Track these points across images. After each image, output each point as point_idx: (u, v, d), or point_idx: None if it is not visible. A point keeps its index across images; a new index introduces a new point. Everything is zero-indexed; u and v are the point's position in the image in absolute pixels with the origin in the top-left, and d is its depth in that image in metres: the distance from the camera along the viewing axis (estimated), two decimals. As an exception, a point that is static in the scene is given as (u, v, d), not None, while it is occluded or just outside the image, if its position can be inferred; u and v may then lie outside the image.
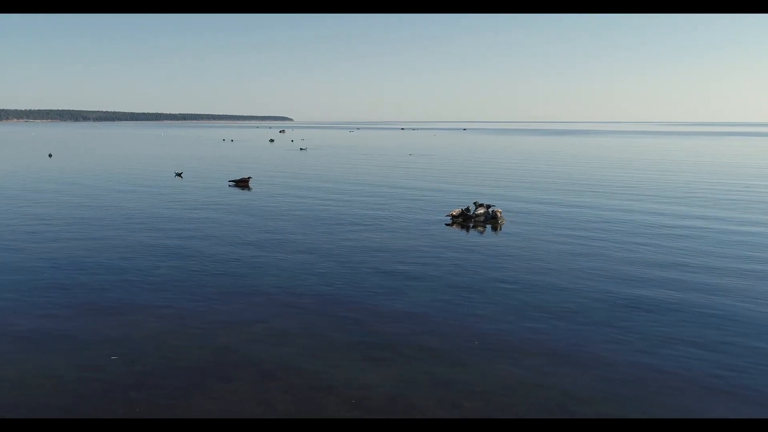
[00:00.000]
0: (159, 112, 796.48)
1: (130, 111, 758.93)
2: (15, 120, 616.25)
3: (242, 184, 38.42)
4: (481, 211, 25.10)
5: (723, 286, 15.26)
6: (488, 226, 23.77)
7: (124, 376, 10.04)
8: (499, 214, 24.80)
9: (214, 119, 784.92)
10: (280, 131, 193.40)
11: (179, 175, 44.78)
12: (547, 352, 11.07)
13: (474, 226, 23.73)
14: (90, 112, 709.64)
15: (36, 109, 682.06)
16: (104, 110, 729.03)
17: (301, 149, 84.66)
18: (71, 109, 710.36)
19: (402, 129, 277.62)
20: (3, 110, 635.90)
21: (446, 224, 24.13)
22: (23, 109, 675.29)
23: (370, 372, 10.26)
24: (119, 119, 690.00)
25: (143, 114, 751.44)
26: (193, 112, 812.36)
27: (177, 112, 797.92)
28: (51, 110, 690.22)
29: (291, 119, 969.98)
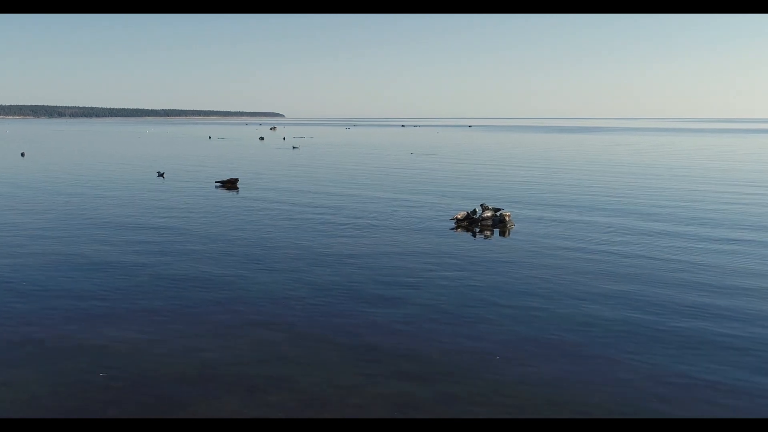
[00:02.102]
0: (140, 107, 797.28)
1: (109, 107, 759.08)
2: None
3: (230, 185, 38.45)
4: (488, 214, 25.12)
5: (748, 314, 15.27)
6: (496, 231, 23.80)
7: (102, 393, 10.03)
8: (507, 218, 24.82)
9: (200, 116, 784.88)
10: (271, 128, 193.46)
11: (161, 175, 44.83)
12: (559, 368, 11.06)
13: (480, 231, 23.76)
14: (66, 107, 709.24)
15: (8, 104, 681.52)
16: (81, 105, 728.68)
17: (293, 148, 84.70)
18: (46, 104, 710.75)
19: (402, 126, 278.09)
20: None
21: (450, 228, 24.15)
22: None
23: (367, 388, 10.25)
24: (97, 115, 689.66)
25: (123, 110, 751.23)
26: (177, 108, 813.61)
27: (159, 108, 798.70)
28: (24, 106, 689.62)
29: (283, 115, 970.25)
